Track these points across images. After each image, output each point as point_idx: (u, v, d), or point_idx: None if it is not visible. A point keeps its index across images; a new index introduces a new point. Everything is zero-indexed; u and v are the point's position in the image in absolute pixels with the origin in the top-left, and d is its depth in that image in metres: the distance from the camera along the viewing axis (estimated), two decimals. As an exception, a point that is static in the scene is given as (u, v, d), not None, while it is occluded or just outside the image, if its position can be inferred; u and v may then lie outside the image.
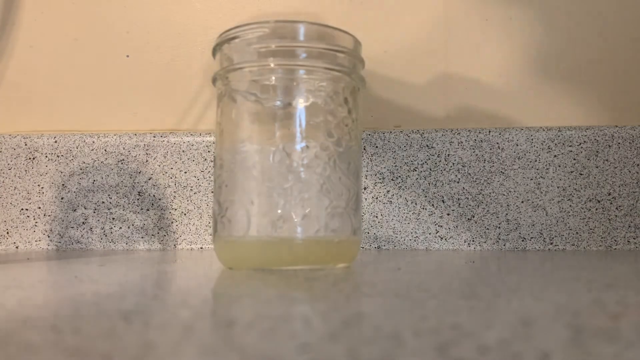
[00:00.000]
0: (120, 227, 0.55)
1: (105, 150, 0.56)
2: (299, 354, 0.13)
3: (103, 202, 0.55)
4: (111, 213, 0.55)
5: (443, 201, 0.53)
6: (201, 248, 0.55)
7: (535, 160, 0.53)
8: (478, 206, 0.53)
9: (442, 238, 0.53)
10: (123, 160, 0.56)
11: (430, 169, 0.54)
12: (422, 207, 0.53)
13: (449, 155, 0.54)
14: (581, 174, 0.53)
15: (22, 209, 0.56)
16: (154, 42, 0.59)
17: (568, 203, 0.53)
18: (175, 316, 0.17)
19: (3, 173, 0.57)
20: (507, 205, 0.53)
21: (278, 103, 0.32)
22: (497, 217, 0.53)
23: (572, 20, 0.56)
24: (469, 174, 0.53)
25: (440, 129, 0.54)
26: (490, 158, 0.53)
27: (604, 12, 0.56)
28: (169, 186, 0.55)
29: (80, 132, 0.57)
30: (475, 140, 0.54)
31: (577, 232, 0.52)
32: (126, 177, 0.55)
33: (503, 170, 0.53)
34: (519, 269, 0.34)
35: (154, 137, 0.56)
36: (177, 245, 0.55)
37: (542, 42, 0.56)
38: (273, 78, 0.32)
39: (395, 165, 0.54)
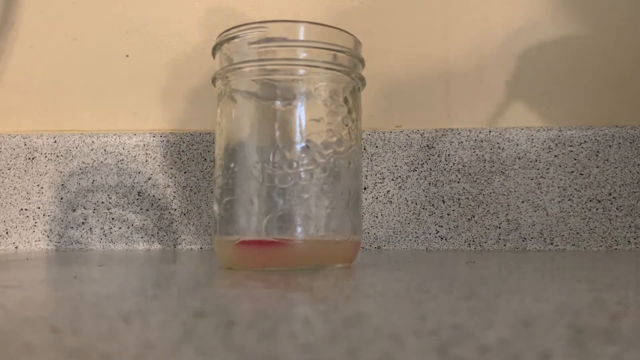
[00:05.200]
0: (120, 227, 0.55)
1: (104, 150, 0.56)
2: (299, 355, 0.12)
3: (102, 202, 0.55)
4: (111, 213, 0.55)
5: (443, 201, 0.53)
6: (201, 248, 0.55)
7: (536, 160, 0.53)
8: (478, 206, 0.53)
9: (442, 238, 0.53)
10: (122, 160, 0.56)
11: (431, 169, 0.54)
12: (423, 207, 0.53)
13: (449, 155, 0.54)
14: (582, 174, 0.53)
15: (22, 209, 0.56)
16: (154, 42, 0.59)
17: (568, 203, 0.52)
18: (175, 316, 0.17)
19: (2, 173, 0.57)
20: (508, 206, 0.53)
21: (278, 103, 0.32)
22: (498, 217, 0.53)
23: (573, 19, 0.56)
24: (470, 174, 0.53)
25: (440, 129, 0.54)
26: (490, 158, 0.53)
27: (606, 11, 0.56)
28: (169, 186, 0.55)
29: (80, 132, 0.57)
30: (475, 140, 0.54)
31: (577, 232, 0.52)
32: (126, 177, 0.55)
33: (503, 170, 0.53)
34: (519, 269, 0.33)
35: (154, 137, 0.56)
36: (177, 245, 0.55)
37: (543, 41, 0.56)
38: (273, 78, 0.32)
39: (396, 165, 0.54)
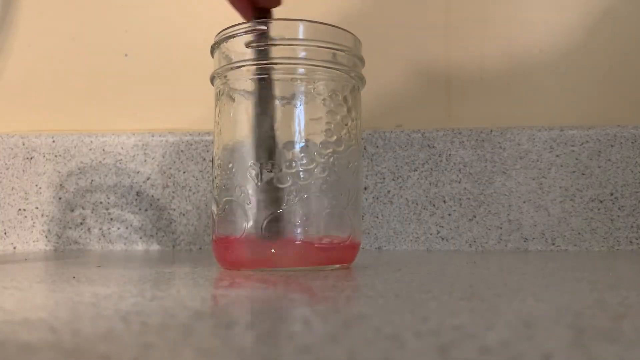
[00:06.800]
0: (119, 228, 0.55)
1: (103, 150, 0.56)
2: (298, 356, 0.12)
3: (101, 202, 0.55)
4: (109, 213, 0.55)
5: (444, 201, 0.53)
6: (200, 249, 0.55)
7: (537, 160, 0.53)
8: (480, 206, 0.53)
9: (443, 239, 0.53)
10: (121, 160, 0.56)
11: (432, 169, 0.53)
12: (423, 207, 0.53)
13: (450, 155, 0.53)
14: (583, 174, 0.52)
15: (20, 209, 0.56)
16: (153, 41, 0.58)
17: (570, 203, 0.52)
18: (174, 317, 0.17)
19: (0, 173, 0.56)
20: (509, 206, 0.53)
21: (277, 102, 0.32)
22: (499, 218, 0.53)
23: (575, 19, 0.56)
24: (471, 173, 0.53)
25: (441, 129, 0.54)
26: (492, 158, 0.53)
27: (608, 10, 0.55)
28: (168, 186, 0.55)
29: (78, 132, 0.57)
30: (476, 139, 0.53)
31: (579, 233, 0.52)
32: (124, 177, 0.55)
33: (505, 170, 0.53)
34: (520, 269, 0.33)
35: (152, 136, 0.56)
36: (176, 245, 0.55)
37: (544, 40, 0.56)
38: (271, 77, 0.32)
39: (396, 165, 0.54)
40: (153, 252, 0.52)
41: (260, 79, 0.32)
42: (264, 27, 0.32)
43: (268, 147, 0.32)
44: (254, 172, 0.31)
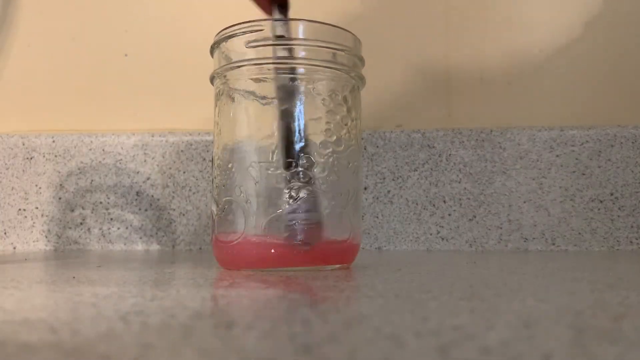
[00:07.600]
0: (119, 228, 0.55)
1: (103, 150, 0.56)
2: (298, 356, 0.12)
3: (101, 203, 0.55)
4: (109, 213, 0.55)
5: (444, 201, 0.53)
6: (200, 249, 0.55)
7: (538, 160, 0.53)
8: (480, 206, 0.53)
9: (443, 239, 0.53)
10: (121, 160, 0.56)
11: (432, 169, 0.53)
12: (423, 207, 0.53)
13: (450, 155, 0.53)
14: (583, 174, 0.52)
15: (20, 209, 0.56)
16: (153, 41, 0.58)
17: (570, 203, 0.52)
18: (174, 317, 0.17)
19: (0, 173, 0.56)
20: (509, 206, 0.53)
21: (276, 102, 0.32)
22: (499, 218, 0.53)
23: (575, 18, 0.56)
24: (471, 173, 0.53)
25: (441, 129, 0.54)
26: (492, 158, 0.53)
27: (608, 10, 0.55)
28: (168, 186, 0.55)
29: (78, 132, 0.57)
30: (476, 139, 0.53)
31: (579, 233, 0.52)
32: (124, 177, 0.55)
33: (505, 170, 0.53)
34: (520, 269, 0.33)
35: (152, 136, 0.56)
36: (176, 246, 0.55)
37: (544, 40, 0.56)
38: (271, 77, 0.32)
39: (396, 165, 0.54)
40: (153, 252, 0.52)
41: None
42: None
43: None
44: (253, 172, 0.31)
